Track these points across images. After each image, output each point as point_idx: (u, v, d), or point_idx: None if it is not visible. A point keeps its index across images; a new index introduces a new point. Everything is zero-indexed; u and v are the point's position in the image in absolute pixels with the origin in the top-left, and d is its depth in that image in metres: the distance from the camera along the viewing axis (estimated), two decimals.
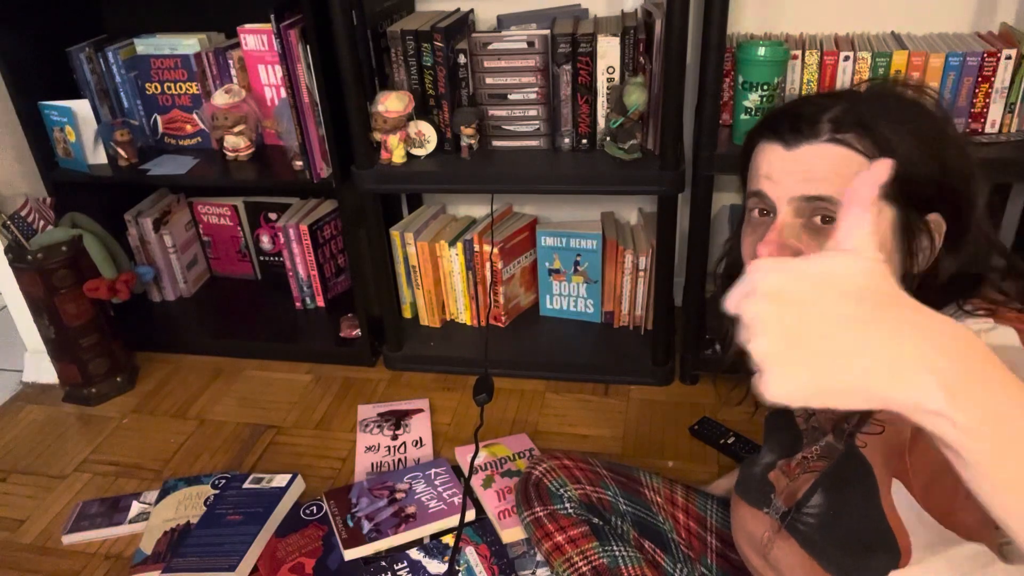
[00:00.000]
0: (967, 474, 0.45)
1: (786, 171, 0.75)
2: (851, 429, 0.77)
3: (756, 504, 0.92)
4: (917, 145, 0.71)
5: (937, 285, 0.74)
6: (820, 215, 0.73)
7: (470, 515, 1.39)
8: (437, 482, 1.47)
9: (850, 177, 0.70)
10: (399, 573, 1.30)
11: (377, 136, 1.58)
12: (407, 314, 1.96)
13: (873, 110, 0.73)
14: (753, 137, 0.79)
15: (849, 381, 0.44)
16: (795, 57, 1.48)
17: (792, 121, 0.75)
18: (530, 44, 1.53)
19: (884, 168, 0.48)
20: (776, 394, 0.45)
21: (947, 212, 0.73)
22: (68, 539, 1.44)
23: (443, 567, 1.30)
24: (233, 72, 1.82)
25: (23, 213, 1.68)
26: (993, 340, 0.66)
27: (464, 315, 1.93)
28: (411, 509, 1.40)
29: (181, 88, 1.84)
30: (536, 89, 1.57)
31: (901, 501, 0.72)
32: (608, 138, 1.57)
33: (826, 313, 0.44)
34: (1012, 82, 1.42)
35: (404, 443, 1.62)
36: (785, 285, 0.45)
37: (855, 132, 0.72)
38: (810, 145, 0.74)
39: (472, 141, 1.60)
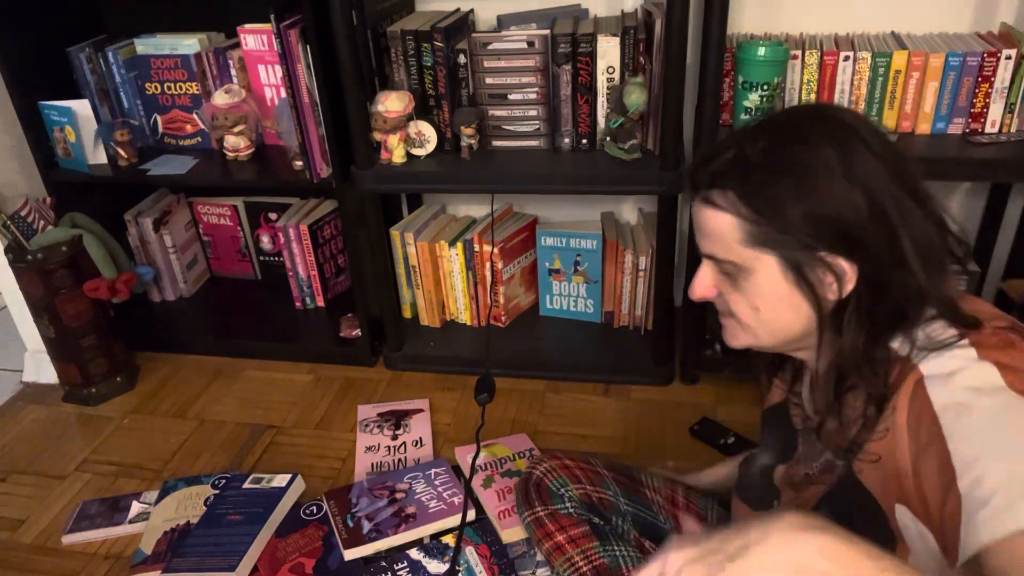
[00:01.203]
0: None
1: (694, 221, 0.80)
2: (847, 446, 0.77)
3: (758, 510, 0.92)
4: (795, 192, 0.71)
5: (872, 315, 0.74)
6: (723, 269, 0.79)
7: (470, 515, 1.39)
8: (437, 482, 1.47)
9: (725, 237, 0.75)
10: (399, 573, 1.30)
11: (377, 136, 1.58)
12: (407, 314, 1.96)
13: (758, 159, 0.73)
14: None
15: None
16: (795, 57, 1.48)
17: (691, 169, 0.79)
18: (530, 44, 1.53)
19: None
20: None
21: (847, 251, 0.72)
22: (68, 539, 1.44)
23: (443, 567, 1.30)
24: (233, 72, 1.82)
25: (23, 213, 1.68)
26: (970, 381, 0.66)
27: (464, 315, 1.93)
28: (411, 509, 1.40)
29: (181, 88, 1.84)
30: (536, 89, 1.57)
31: (907, 527, 0.71)
32: (608, 138, 1.57)
33: None
34: (1012, 82, 1.42)
35: (404, 443, 1.62)
36: None
37: (731, 186, 0.74)
38: (695, 201, 0.79)
39: (472, 141, 1.60)
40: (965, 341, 0.70)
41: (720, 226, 0.76)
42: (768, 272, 0.75)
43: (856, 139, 0.72)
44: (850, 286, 0.73)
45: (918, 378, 0.69)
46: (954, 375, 0.67)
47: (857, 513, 0.75)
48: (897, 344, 0.73)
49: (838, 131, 0.72)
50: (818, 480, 0.83)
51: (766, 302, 0.78)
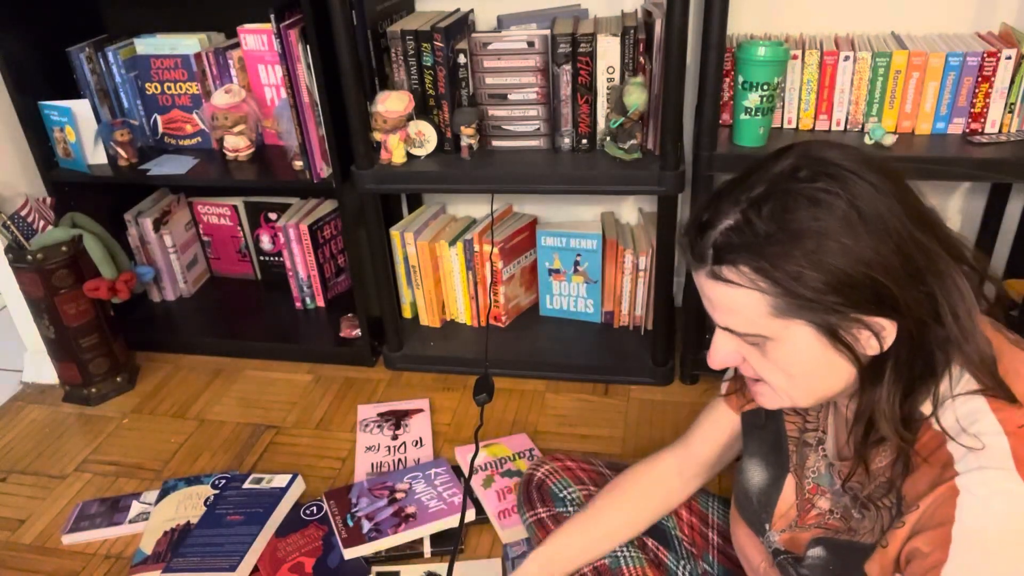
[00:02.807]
0: None
1: (700, 292, 0.74)
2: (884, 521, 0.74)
3: (751, 526, 0.92)
4: (817, 260, 0.65)
5: (912, 367, 0.70)
6: (747, 340, 0.73)
7: (470, 515, 1.39)
8: (437, 482, 1.47)
9: (746, 312, 0.69)
10: None
11: (377, 136, 1.58)
12: (407, 314, 1.96)
13: (767, 227, 0.66)
14: None
15: None
16: (795, 57, 1.48)
17: (689, 238, 0.72)
18: (530, 44, 1.53)
19: None
20: None
21: (882, 309, 0.67)
22: (68, 539, 1.44)
23: None
24: (233, 72, 1.82)
25: (23, 213, 1.68)
26: (1004, 520, 0.62)
27: (464, 315, 1.93)
28: (411, 509, 1.40)
29: (181, 88, 1.84)
30: (536, 89, 1.57)
31: None
32: (608, 138, 1.57)
33: None
34: (1012, 82, 1.42)
35: (404, 443, 1.62)
36: None
37: (743, 260, 0.67)
38: (700, 274, 0.72)
39: (472, 141, 1.60)
40: (1004, 445, 0.64)
41: (738, 303, 0.70)
42: (800, 339, 0.69)
43: (862, 183, 0.66)
44: (890, 340, 0.68)
45: (954, 490, 0.65)
46: (989, 503, 0.63)
47: (853, 562, 0.75)
48: (927, 407, 0.70)
49: (842, 180, 0.66)
50: (827, 525, 0.82)
51: (801, 368, 0.72)
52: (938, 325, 0.68)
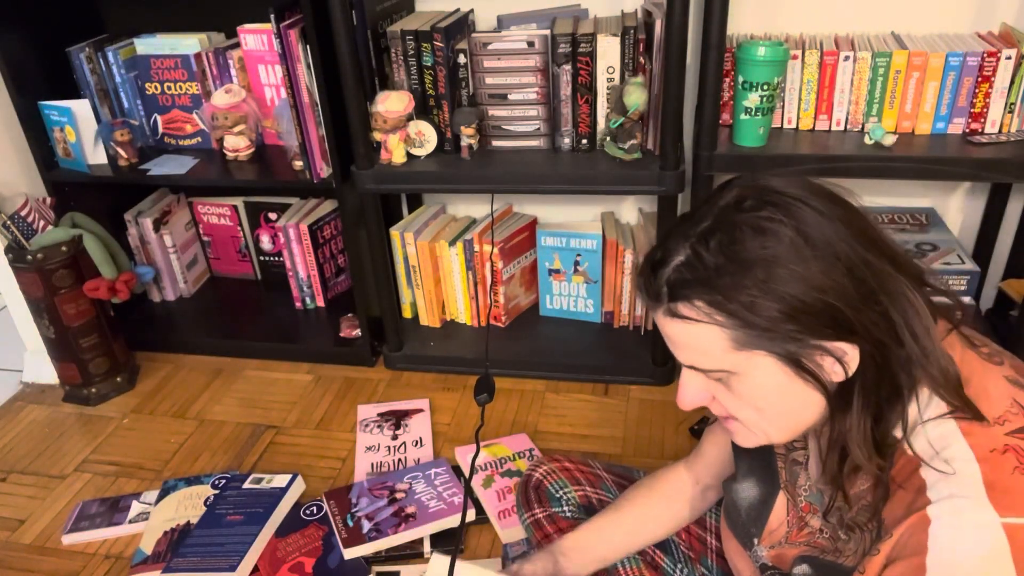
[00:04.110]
0: None
1: (662, 333, 0.74)
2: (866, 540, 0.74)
3: (739, 540, 0.92)
4: (768, 289, 0.65)
5: (878, 390, 0.69)
6: (712, 376, 0.73)
7: (470, 515, 1.39)
8: (437, 482, 1.47)
9: (708, 348, 0.69)
10: None
11: (377, 136, 1.58)
12: (407, 314, 1.96)
13: (716, 260, 0.67)
14: None
15: None
16: (795, 57, 1.48)
17: (644, 278, 0.72)
18: (530, 44, 1.53)
19: None
20: None
21: (841, 334, 0.66)
22: (68, 539, 1.44)
23: None
24: (233, 72, 1.82)
25: (23, 213, 1.68)
26: (975, 554, 0.62)
27: (464, 315, 1.93)
28: (411, 509, 1.40)
29: (181, 88, 1.84)
30: (536, 89, 1.57)
31: None
32: (608, 138, 1.57)
33: None
34: (1012, 82, 1.42)
35: (404, 443, 1.62)
36: None
37: (696, 295, 0.67)
38: (659, 314, 0.72)
39: (472, 141, 1.60)
40: (975, 472, 0.64)
41: (699, 339, 0.70)
42: (764, 371, 0.69)
43: (807, 209, 0.66)
44: (853, 365, 0.68)
45: (926, 519, 0.65)
46: (962, 535, 0.63)
47: None
48: (899, 432, 0.70)
49: (786, 207, 0.67)
50: (815, 543, 0.81)
51: (768, 400, 0.72)
52: (898, 346, 0.67)
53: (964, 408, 0.68)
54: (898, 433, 0.70)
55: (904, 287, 0.67)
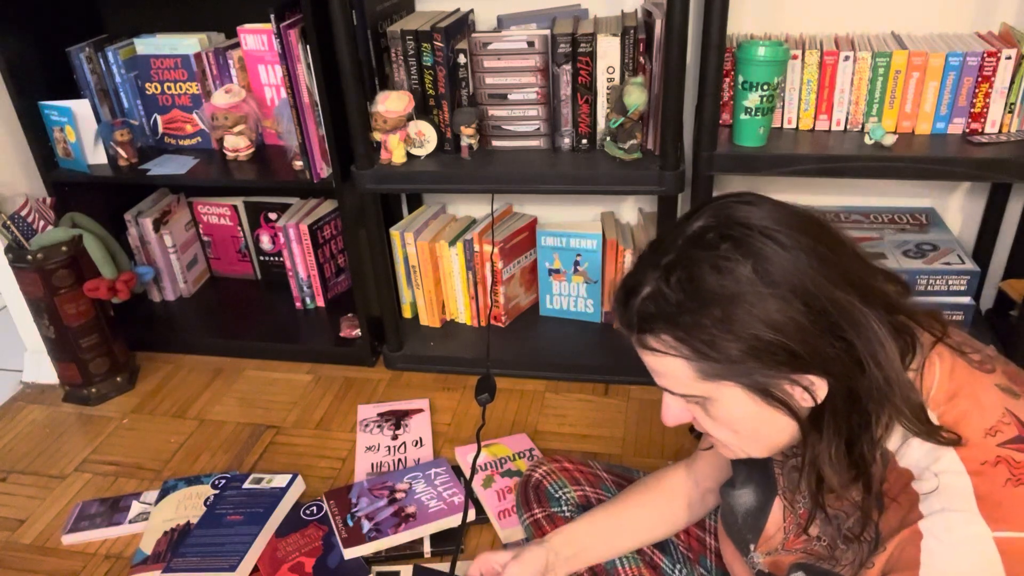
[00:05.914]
0: None
1: (641, 359, 0.77)
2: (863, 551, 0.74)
3: (736, 545, 0.92)
4: (728, 327, 0.66)
5: (849, 418, 0.70)
6: (689, 400, 0.75)
7: (470, 515, 1.39)
8: (437, 482, 1.47)
9: (678, 377, 0.71)
10: None
11: (377, 136, 1.58)
12: (407, 314, 1.96)
13: (677, 297, 0.68)
14: None
15: None
16: (795, 57, 1.48)
17: (619, 304, 0.75)
18: (530, 44, 1.53)
19: None
20: None
21: (804, 366, 0.67)
22: (68, 539, 1.44)
23: None
24: (233, 72, 1.82)
25: (23, 213, 1.68)
26: (967, 565, 0.62)
27: (464, 315, 1.93)
28: (411, 509, 1.40)
29: (181, 88, 1.84)
30: (536, 89, 1.57)
31: None
32: (608, 138, 1.57)
33: None
34: (1012, 82, 1.42)
35: (404, 443, 1.62)
36: None
37: (662, 329, 0.70)
38: (632, 341, 0.75)
39: (472, 141, 1.60)
40: (967, 485, 0.64)
41: (669, 368, 0.72)
42: (734, 399, 0.71)
43: (768, 244, 0.66)
44: (822, 393, 0.69)
45: (918, 533, 0.65)
46: (954, 550, 0.63)
47: None
48: (893, 443, 0.70)
49: (746, 243, 0.67)
50: (811, 551, 0.82)
51: (743, 425, 0.74)
52: (863, 376, 0.67)
53: (930, 435, 0.67)
54: (892, 445, 0.70)
55: (869, 319, 0.67)
